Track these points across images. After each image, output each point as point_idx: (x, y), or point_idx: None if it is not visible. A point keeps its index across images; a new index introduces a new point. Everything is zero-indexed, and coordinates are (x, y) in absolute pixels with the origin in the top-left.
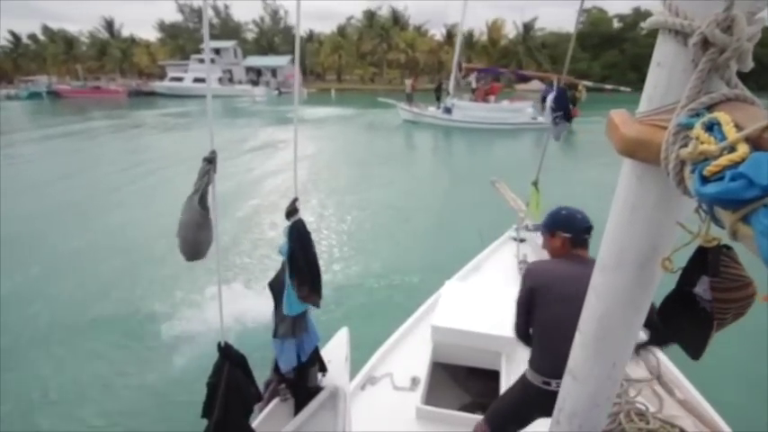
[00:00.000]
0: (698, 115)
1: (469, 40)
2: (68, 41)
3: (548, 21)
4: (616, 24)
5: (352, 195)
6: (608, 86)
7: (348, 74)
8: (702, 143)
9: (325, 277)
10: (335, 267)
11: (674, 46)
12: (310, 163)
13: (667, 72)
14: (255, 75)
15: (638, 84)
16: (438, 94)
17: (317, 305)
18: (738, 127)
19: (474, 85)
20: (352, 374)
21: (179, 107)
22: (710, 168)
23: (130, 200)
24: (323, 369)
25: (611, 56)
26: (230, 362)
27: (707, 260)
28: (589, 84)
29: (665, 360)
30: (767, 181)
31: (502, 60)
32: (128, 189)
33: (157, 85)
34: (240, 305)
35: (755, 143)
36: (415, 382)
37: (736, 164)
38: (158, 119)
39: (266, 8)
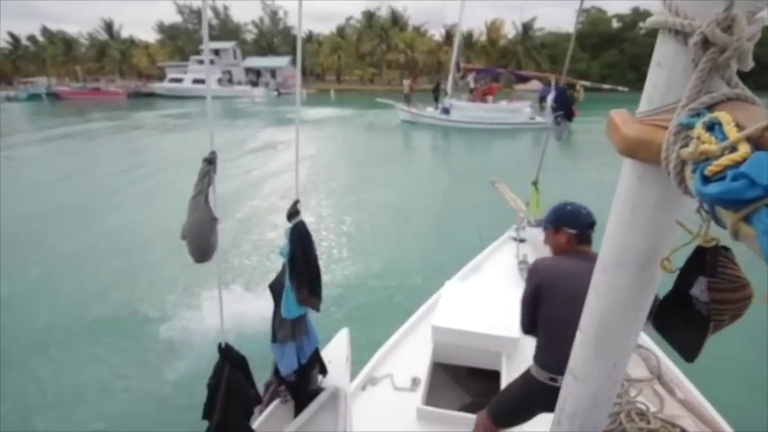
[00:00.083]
0: (698, 115)
1: (469, 40)
2: (67, 43)
3: (547, 21)
4: (615, 24)
5: (351, 196)
6: (606, 86)
7: (347, 74)
8: (703, 143)
9: (326, 278)
10: (336, 268)
11: (675, 46)
12: (310, 164)
13: (667, 72)
14: (255, 76)
15: (636, 83)
16: (436, 94)
17: (316, 309)
18: (739, 127)
19: (472, 85)
20: (353, 375)
21: (178, 108)
22: (712, 168)
23: (130, 201)
24: (323, 371)
25: (611, 56)
26: (231, 363)
27: (705, 261)
28: (587, 84)
29: (666, 360)
30: None
31: (501, 60)
32: (127, 191)
33: (157, 87)
34: (240, 306)
35: (756, 143)
36: (415, 382)
37: (737, 163)
38: (158, 120)
39: (265, 9)
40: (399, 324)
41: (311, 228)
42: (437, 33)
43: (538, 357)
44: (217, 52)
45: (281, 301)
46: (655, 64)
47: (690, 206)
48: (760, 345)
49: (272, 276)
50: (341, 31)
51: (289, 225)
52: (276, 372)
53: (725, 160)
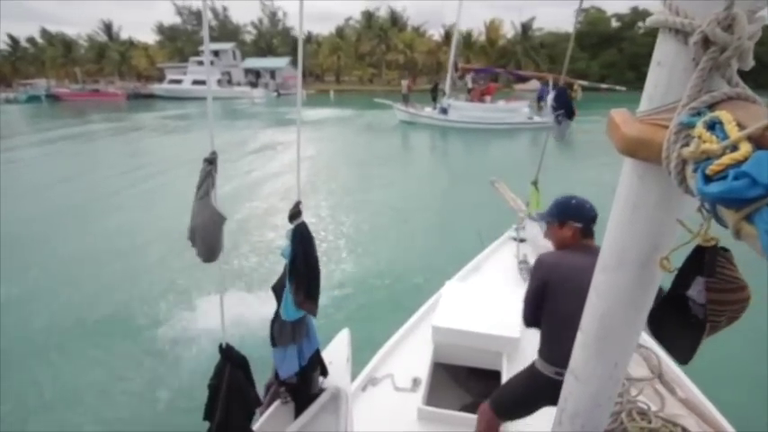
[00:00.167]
0: (699, 114)
1: (468, 40)
2: (67, 44)
3: (546, 21)
4: (614, 24)
5: (350, 196)
6: (603, 86)
7: (347, 75)
8: (704, 142)
9: (326, 279)
10: (336, 268)
11: (675, 45)
12: (309, 165)
13: (668, 71)
14: (254, 76)
15: (636, 83)
16: (434, 94)
17: (312, 313)
18: (740, 126)
19: (470, 85)
20: (354, 376)
21: (178, 109)
22: (713, 167)
23: (130, 203)
24: (324, 372)
25: (610, 55)
26: (232, 363)
27: (703, 261)
28: (584, 83)
29: (667, 359)
30: None
31: (500, 60)
32: (127, 192)
33: (156, 88)
34: (240, 307)
35: (758, 142)
36: (416, 382)
37: (738, 163)
38: (157, 121)
39: (264, 10)
40: (400, 324)
41: (311, 229)
42: (436, 33)
43: (543, 351)
44: (216, 53)
45: (281, 303)
46: (655, 63)
47: (690, 205)
48: (761, 344)
49: (273, 277)
50: (340, 32)
51: (290, 226)
52: (277, 373)
53: (726, 159)
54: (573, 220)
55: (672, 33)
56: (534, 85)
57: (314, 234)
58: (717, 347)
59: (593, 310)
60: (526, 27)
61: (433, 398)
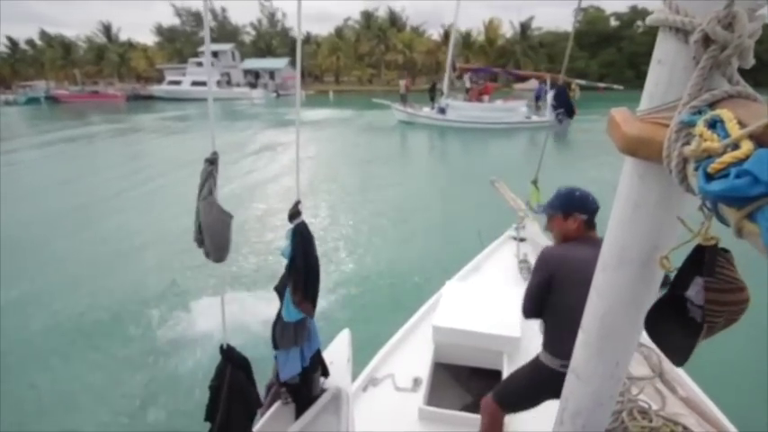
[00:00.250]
0: (700, 113)
1: (467, 40)
2: (66, 46)
3: (545, 20)
4: (613, 23)
5: (350, 196)
6: (601, 85)
7: (346, 75)
8: (706, 140)
9: (326, 279)
10: (336, 269)
11: (675, 43)
12: (309, 165)
13: (668, 70)
14: (253, 77)
15: (635, 81)
16: (432, 94)
17: (309, 314)
18: (741, 124)
19: (468, 85)
20: (354, 376)
21: (177, 111)
22: (715, 166)
23: (130, 205)
24: (325, 373)
25: (609, 54)
26: (233, 364)
27: (703, 260)
28: (582, 82)
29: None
30: None
31: (500, 60)
32: (127, 194)
33: (156, 89)
34: (241, 308)
35: (759, 140)
36: (417, 382)
37: (740, 161)
38: (157, 123)
39: (263, 11)
40: (400, 324)
41: (311, 229)
42: (435, 33)
43: (548, 344)
44: (215, 54)
45: (283, 304)
46: (655, 62)
47: (691, 204)
48: (761, 343)
49: (273, 278)
50: (339, 32)
51: (290, 226)
52: (278, 374)
53: (728, 158)
54: (578, 212)
55: (672, 32)
56: (533, 84)
57: (314, 235)
58: (718, 346)
59: (595, 310)
60: (525, 26)
61: (433, 398)
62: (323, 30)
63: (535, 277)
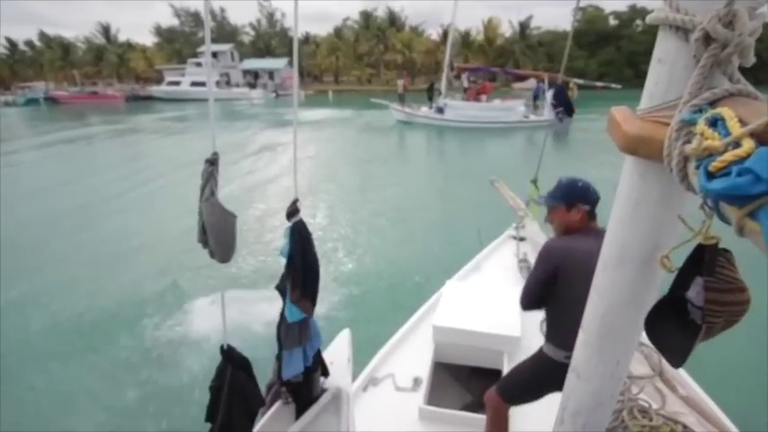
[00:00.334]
0: (701, 111)
1: (466, 39)
2: (65, 47)
3: (544, 20)
4: (612, 22)
5: (349, 196)
6: (599, 84)
7: (345, 75)
8: (707, 139)
9: (325, 279)
10: (335, 269)
11: (676, 42)
12: (308, 165)
13: (669, 68)
14: (253, 77)
15: (634, 80)
16: (430, 94)
17: (308, 313)
18: (742, 122)
19: (466, 84)
20: (354, 376)
21: (177, 111)
22: (716, 164)
23: (129, 206)
24: (325, 373)
25: (608, 53)
26: (233, 364)
27: (703, 260)
28: (580, 81)
29: None
30: None
31: (499, 59)
32: (127, 195)
33: (155, 90)
34: (241, 309)
35: (760, 138)
36: (417, 382)
37: (741, 159)
38: (156, 123)
39: (262, 11)
40: (400, 324)
41: (310, 229)
42: (434, 33)
43: (552, 336)
44: (215, 54)
45: (284, 304)
46: (656, 60)
47: (692, 203)
48: (761, 343)
49: (274, 278)
50: (338, 32)
51: (288, 224)
52: (279, 373)
53: (729, 156)
54: (581, 203)
55: (672, 30)
56: (533, 83)
57: (313, 235)
58: (718, 346)
59: (595, 309)
60: (524, 26)
61: (434, 397)
62: (322, 30)
63: (538, 269)
